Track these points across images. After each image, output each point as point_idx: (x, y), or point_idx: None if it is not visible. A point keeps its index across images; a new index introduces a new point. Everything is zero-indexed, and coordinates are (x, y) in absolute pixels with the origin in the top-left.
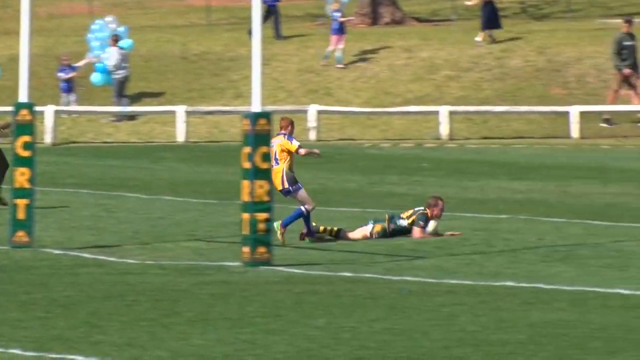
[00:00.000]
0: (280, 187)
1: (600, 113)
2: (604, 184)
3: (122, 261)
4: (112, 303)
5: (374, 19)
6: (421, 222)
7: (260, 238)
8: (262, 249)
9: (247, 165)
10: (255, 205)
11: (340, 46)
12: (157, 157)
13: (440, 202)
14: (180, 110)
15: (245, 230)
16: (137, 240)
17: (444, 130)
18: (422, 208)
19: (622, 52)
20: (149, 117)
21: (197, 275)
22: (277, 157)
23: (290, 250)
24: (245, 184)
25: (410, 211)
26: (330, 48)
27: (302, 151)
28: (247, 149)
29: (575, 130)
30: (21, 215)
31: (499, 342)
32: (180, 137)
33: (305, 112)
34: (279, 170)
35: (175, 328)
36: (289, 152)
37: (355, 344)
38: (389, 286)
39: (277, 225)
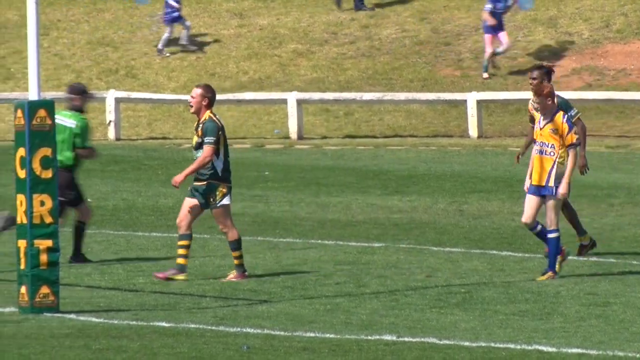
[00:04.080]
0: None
1: (507, 102)
2: (513, 200)
3: None
4: None
5: None
6: None
7: (43, 274)
8: (45, 290)
9: (21, 173)
10: (35, 229)
11: None
12: None
13: None
14: None
15: (22, 264)
16: None
17: (292, 125)
18: None
19: None
20: None
21: None
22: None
23: (83, 292)
24: (21, 199)
25: None
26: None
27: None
28: (21, 151)
29: (473, 127)
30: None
31: None
32: None
33: (100, 100)
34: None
35: None
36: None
37: None
38: (222, 341)
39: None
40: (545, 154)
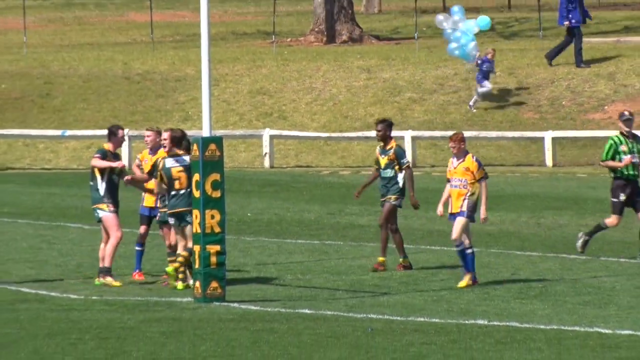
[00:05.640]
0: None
1: (576, 139)
2: (580, 215)
3: (64, 296)
4: (55, 341)
5: (331, 37)
6: None
7: (213, 272)
8: (214, 284)
9: (197, 193)
10: (207, 237)
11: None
12: None
13: None
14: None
15: (197, 264)
16: (81, 274)
17: (408, 156)
18: None
19: None
20: (90, 142)
21: (145, 312)
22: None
23: (244, 286)
24: (195, 213)
25: None
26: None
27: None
28: (196, 176)
29: (549, 158)
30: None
31: None
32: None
33: (258, 137)
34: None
35: None
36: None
37: None
38: (352, 324)
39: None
40: (459, 188)
